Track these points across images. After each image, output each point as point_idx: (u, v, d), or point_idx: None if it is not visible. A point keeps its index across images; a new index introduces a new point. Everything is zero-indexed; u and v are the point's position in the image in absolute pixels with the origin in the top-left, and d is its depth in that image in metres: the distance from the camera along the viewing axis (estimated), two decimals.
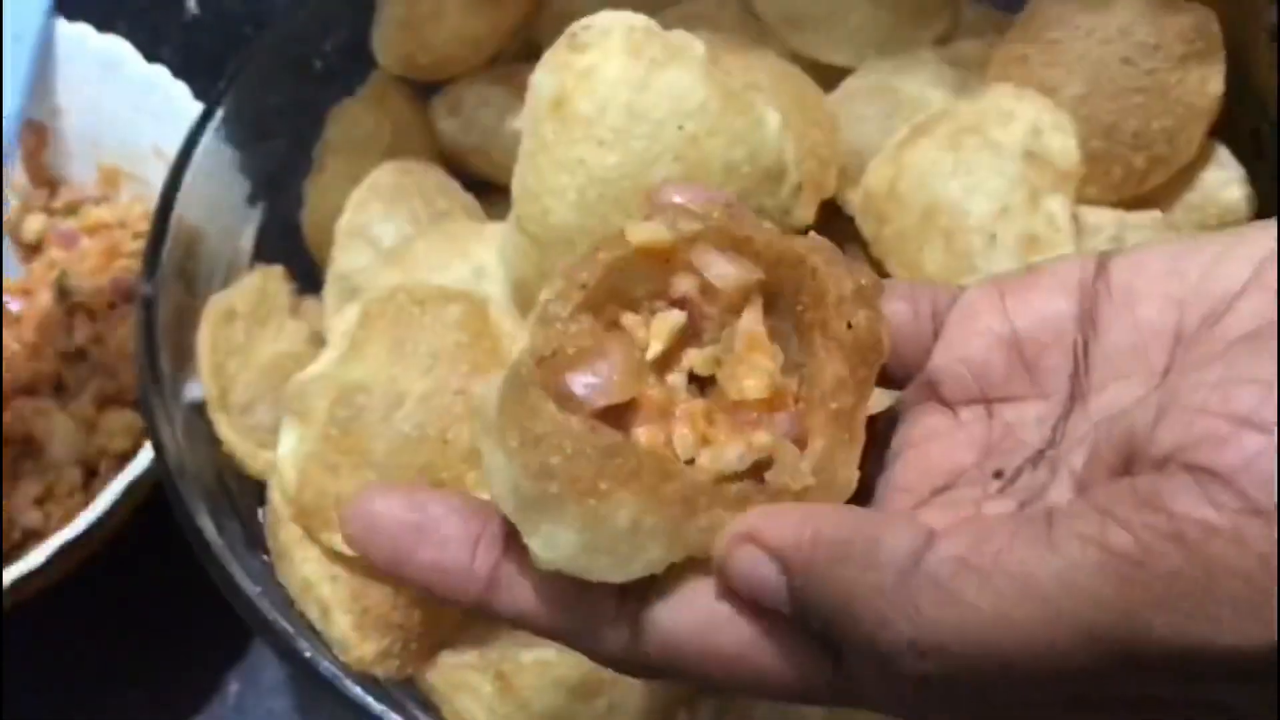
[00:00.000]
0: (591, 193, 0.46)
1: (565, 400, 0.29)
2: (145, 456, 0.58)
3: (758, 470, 0.29)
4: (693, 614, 0.28)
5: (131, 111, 0.70)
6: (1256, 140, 0.55)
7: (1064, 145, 0.51)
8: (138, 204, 0.72)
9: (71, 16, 0.71)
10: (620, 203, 0.46)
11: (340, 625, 0.47)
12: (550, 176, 0.46)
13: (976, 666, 0.24)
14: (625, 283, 0.31)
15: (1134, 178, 0.53)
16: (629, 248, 0.30)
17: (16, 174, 0.73)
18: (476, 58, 0.62)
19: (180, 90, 0.69)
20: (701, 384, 0.31)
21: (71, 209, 0.73)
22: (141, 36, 0.72)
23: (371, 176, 0.58)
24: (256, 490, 0.53)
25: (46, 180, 0.75)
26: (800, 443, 0.29)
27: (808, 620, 0.26)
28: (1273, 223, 0.28)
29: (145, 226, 0.64)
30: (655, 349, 0.30)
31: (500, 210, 0.60)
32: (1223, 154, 0.55)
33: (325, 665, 0.46)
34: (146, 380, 0.52)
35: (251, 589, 0.47)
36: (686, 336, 0.31)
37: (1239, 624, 0.22)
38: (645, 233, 0.30)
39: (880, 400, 0.33)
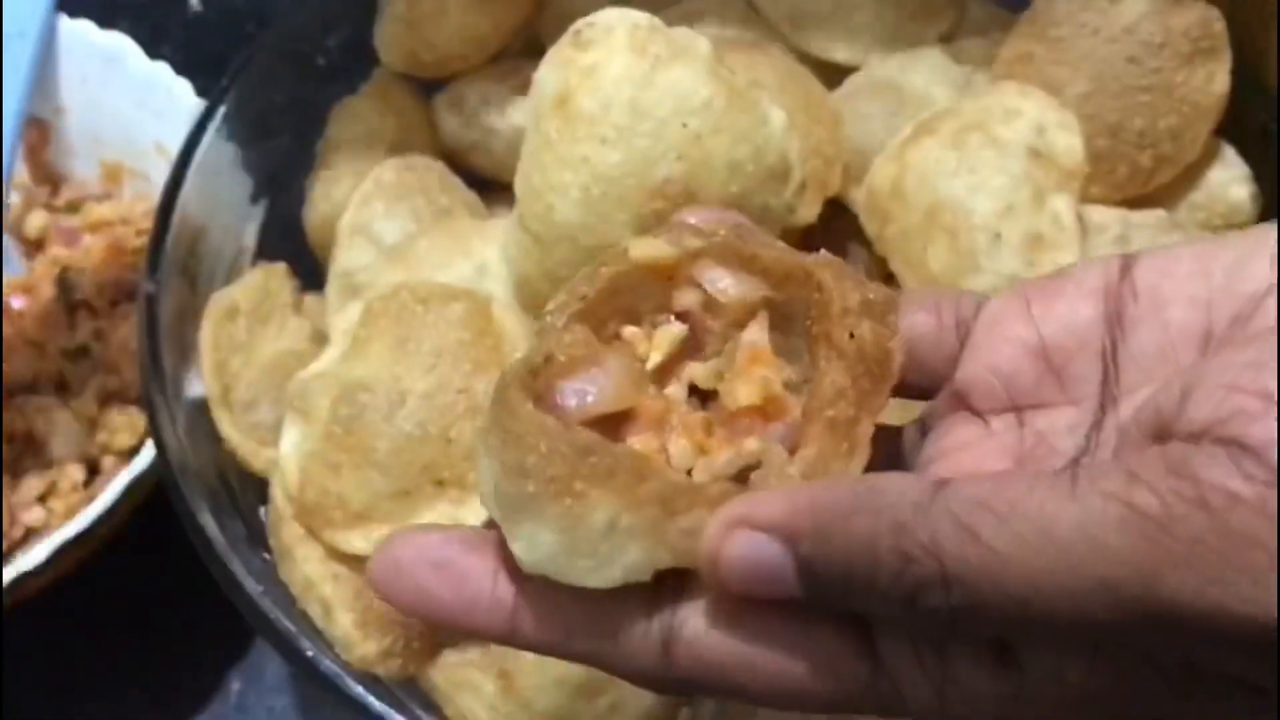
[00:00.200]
0: (595, 190, 0.46)
1: (553, 407, 0.28)
2: (147, 454, 0.58)
3: (746, 473, 0.29)
4: (720, 632, 0.28)
5: (134, 108, 0.70)
6: (1266, 139, 0.54)
7: (1069, 144, 0.50)
8: (140, 201, 0.72)
9: (74, 13, 0.71)
10: (624, 200, 0.46)
11: (342, 624, 0.47)
12: (554, 174, 0.46)
13: (995, 606, 0.24)
14: (629, 298, 0.31)
15: (1139, 176, 0.53)
16: (632, 262, 0.30)
17: (19, 171, 0.73)
18: (479, 55, 0.61)
19: (182, 87, 0.69)
20: (704, 398, 0.31)
21: (74, 206, 0.73)
22: (144, 33, 0.72)
23: (374, 174, 0.58)
24: (259, 488, 0.53)
25: (49, 177, 0.75)
26: (796, 451, 0.29)
27: (823, 593, 0.26)
28: None
29: (147, 224, 0.64)
30: (655, 360, 0.30)
31: (502, 208, 0.60)
32: (1228, 153, 0.55)
33: (327, 664, 0.46)
34: (149, 377, 0.52)
35: (253, 588, 0.47)
36: (689, 350, 0.31)
37: (1256, 593, 0.22)
38: (648, 248, 0.30)
39: (909, 411, 0.33)
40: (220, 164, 0.59)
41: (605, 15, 0.46)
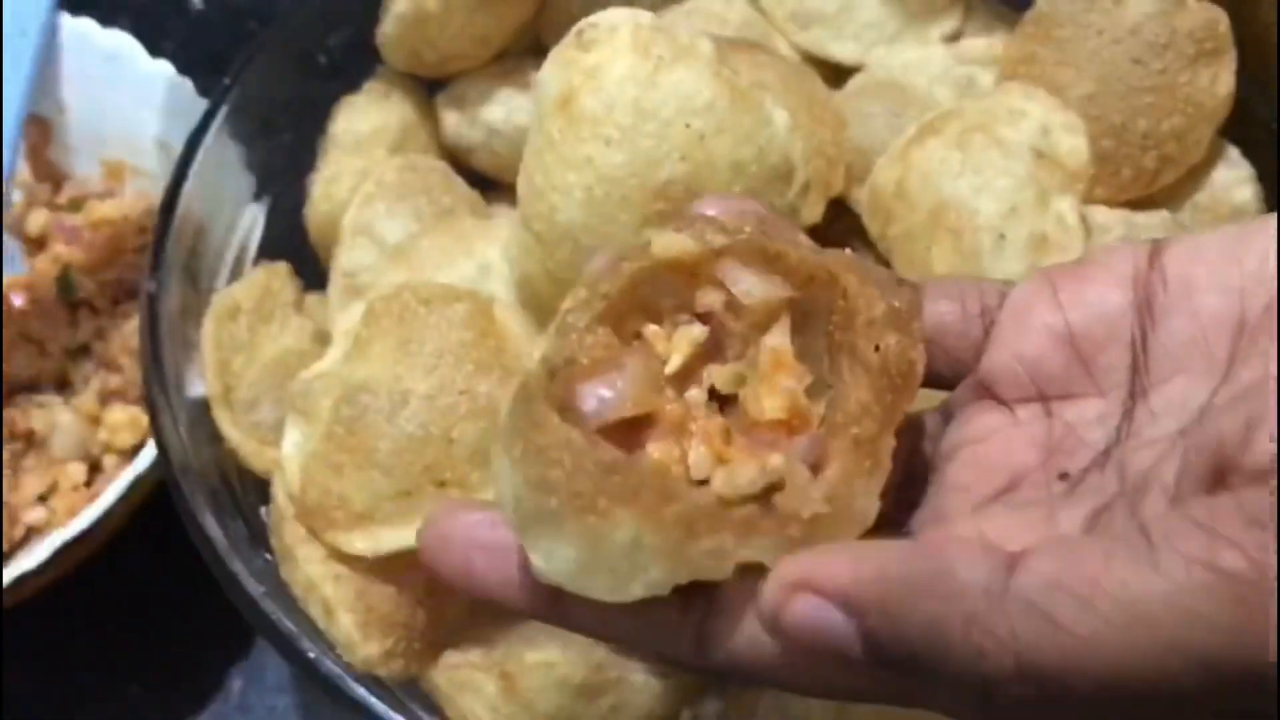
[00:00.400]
0: (598, 191, 0.45)
1: (573, 412, 0.28)
2: (149, 453, 0.58)
3: (769, 493, 0.28)
4: (755, 635, 0.27)
5: (135, 107, 0.70)
6: (1271, 140, 0.54)
7: (1073, 145, 0.50)
8: (142, 199, 0.72)
9: (75, 11, 0.71)
10: (627, 201, 0.45)
11: (344, 625, 0.47)
12: (557, 174, 0.46)
13: (1078, 691, 0.23)
14: (650, 295, 0.30)
15: (1143, 178, 0.53)
16: (654, 259, 0.30)
17: (20, 169, 0.73)
18: (482, 54, 0.61)
19: (184, 85, 0.69)
20: (723, 402, 0.30)
21: (75, 204, 0.73)
22: (146, 31, 0.72)
23: (376, 173, 0.58)
24: (260, 488, 0.53)
25: (50, 175, 0.74)
26: (818, 468, 0.28)
27: (886, 661, 0.25)
28: None
29: (149, 222, 0.64)
30: (675, 363, 0.30)
31: (505, 207, 0.60)
32: (1232, 154, 0.55)
33: (329, 665, 0.46)
34: (150, 377, 0.51)
35: (255, 588, 0.47)
36: (710, 352, 0.30)
37: None
38: (671, 245, 0.30)
39: (929, 399, 0.32)
40: (222, 163, 0.59)
41: (608, 15, 0.46)
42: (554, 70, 0.46)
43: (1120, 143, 0.52)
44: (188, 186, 0.56)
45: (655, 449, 0.29)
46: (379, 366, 0.47)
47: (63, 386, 0.68)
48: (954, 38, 0.60)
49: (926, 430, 0.33)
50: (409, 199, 0.57)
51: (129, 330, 0.68)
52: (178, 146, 0.57)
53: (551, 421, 0.27)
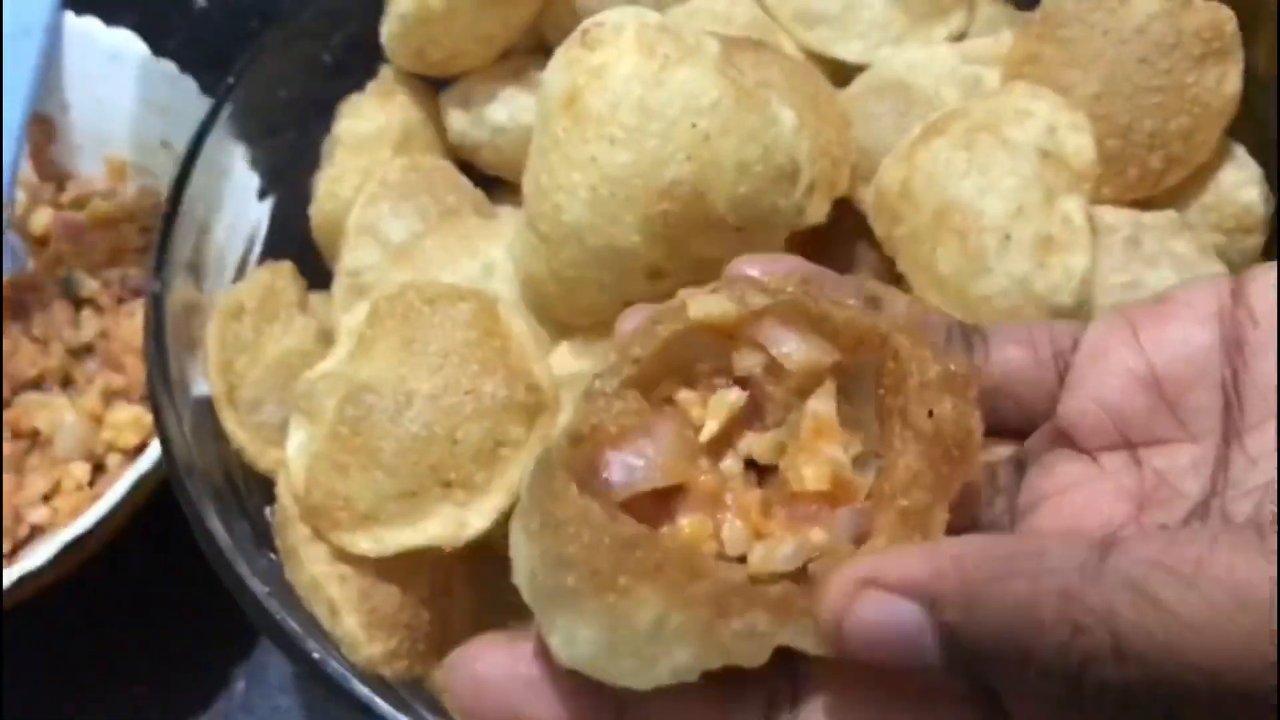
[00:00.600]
0: (603, 191, 0.45)
1: (599, 483, 0.26)
2: (153, 452, 0.58)
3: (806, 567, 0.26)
4: None
5: (139, 105, 0.70)
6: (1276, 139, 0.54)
7: (1080, 145, 0.50)
8: (145, 198, 0.72)
9: (79, 10, 0.71)
10: (632, 200, 0.45)
11: (348, 625, 0.47)
12: (562, 174, 0.46)
13: (1179, 678, 0.22)
14: (684, 357, 0.28)
15: (1150, 178, 0.53)
16: (689, 322, 0.28)
17: (24, 168, 0.73)
18: (487, 53, 0.61)
19: (188, 84, 0.69)
20: (761, 473, 0.28)
21: (79, 203, 0.73)
22: (149, 30, 0.72)
23: (380, 172, 0.58)
24: (265, 488, 0.53)
25: (54, 174, 0.74)
26: (862, 542, 0.26)
27: (969, 665, 0.23)
28: None
29: (152, 221, 0.64)
30: (710, 429, 0.28)
31: (509, 207, 0.60)
32: (1239, 154, 0.55)
33: (333, 665, 0.45)
34: (154, 376, 0.51)
35: (259, 588, 0.46)
36: (747, 418, 0.28)
37: None
38: (708, 306, 0.28)
39: (996, 451, 0.30)
40: (226, 162, 0.59)
41: (614, 14, 0.46)
42: (559, 69, 0.46)
43: (1127, 143, 0.52)
44: (191, 186, 0.56)
45: (687, 522, 0.27)
46: (383, 366, 0.47)
47: (66, 385, 0.68)
48: (959, 37, 0.60)
49: (1000, 483, 0.31)
50: (413, 198, 0.57)
51: (133, 329, 0.68)
52: (181, 146, 0.57)
53: (570, 493, 0.25)
